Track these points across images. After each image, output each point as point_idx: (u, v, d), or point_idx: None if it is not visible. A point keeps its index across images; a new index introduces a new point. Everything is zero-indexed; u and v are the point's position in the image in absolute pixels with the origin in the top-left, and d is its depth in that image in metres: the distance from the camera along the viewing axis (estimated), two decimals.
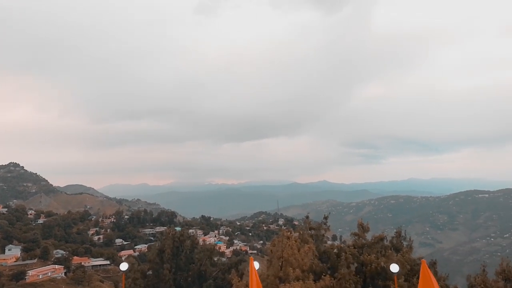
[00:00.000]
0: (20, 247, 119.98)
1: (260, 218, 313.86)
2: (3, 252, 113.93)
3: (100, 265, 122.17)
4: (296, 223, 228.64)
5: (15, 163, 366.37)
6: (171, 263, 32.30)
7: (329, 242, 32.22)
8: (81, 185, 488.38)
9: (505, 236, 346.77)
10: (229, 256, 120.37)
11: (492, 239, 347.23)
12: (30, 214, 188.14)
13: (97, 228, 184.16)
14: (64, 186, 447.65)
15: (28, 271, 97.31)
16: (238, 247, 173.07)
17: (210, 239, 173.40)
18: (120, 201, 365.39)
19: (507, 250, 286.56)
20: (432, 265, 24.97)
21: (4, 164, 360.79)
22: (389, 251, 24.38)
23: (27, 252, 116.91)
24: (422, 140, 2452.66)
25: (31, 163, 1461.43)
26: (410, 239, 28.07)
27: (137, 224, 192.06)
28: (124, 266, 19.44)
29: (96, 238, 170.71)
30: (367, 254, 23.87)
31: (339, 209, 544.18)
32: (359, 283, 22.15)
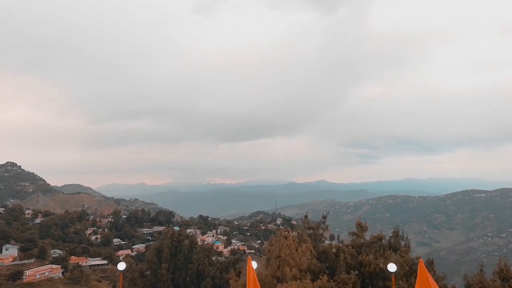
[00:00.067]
0: (17, 246, 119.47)
1: (258, 218, 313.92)
2: (0, 252, 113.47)
3: (97, 264, 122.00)
4: (294, 222, 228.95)
5: (12, 162, 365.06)
6: (169, 263, 32.27)
7: (327, 242, 32.20)
8: (78, 185, 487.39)
9: (502, 235, 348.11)
10: (227, 255, 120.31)
11: (489, 239, 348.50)
12: (27, 213, 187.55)
13: (94, 228, 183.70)
14: (62, 186, 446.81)
15: (25, 271, 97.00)
16: (236, 247, 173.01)
17: (208, 238, 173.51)
18: (117, 201, 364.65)
19: (504, 250, 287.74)
20: (429, 265, 25.02)
21: (1, 163, 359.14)
22: (388, 251, 24.38)
23: (24, 251, 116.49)
24: (420, 140, 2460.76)
25: (28, 162, 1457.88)
26: (407, 238, 28.10)
27: (134, 224, 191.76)
28: (121, 266, 19.40)
29: (93, 237, 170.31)
30: (365, 254, 23.87)
31: (336, 209, 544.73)
32: (357, 284, 22.15)
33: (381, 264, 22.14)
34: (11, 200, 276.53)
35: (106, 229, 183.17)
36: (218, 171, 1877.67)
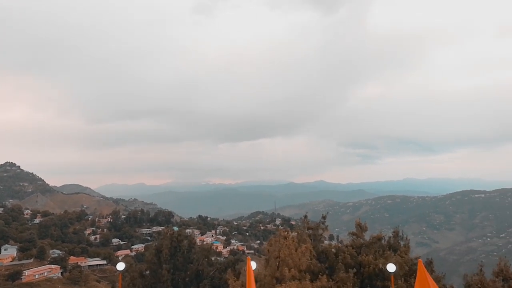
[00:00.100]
0: (16, 247, 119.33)
1: (257, 218, 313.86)
2: None
3: (96, 265, 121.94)
4: (293, 223, 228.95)
5: (11, 162, 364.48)
6: (169, 263, 32.21)
7: (326, 242, 32.17)
8: (77, 185, 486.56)
9: (501, 236, 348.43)
10: (226, 256, 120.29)
11: (488, 239, 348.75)
12: (26, 213, 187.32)
13: (93, 228, 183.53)
14: (61, 186, 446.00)
15: (24, 271, 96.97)
16: (235, 247, 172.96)
17: (207, 239, 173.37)
18: (117, 201, 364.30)
19: (503, 250, 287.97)
20: (429, 265, 24.98)
21: (0, 163, 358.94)
22: (387, 251, 24.35)
23: (23, 252, 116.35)
24: (419, 140, 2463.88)
25: (28, 162, 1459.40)
26: (406, 238, 28.07)
27: (134, 224, 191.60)
28: (120, 266, 19.38)
29: (92, 238, 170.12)
30: (365, 255, 23.84)
31: (336, 209, 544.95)
32: (356, 285, 22.12)
33: (380, 265, 22.11)
34: (10, 200, 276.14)
35: (105, 229, 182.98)
36: (217, 171, 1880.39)
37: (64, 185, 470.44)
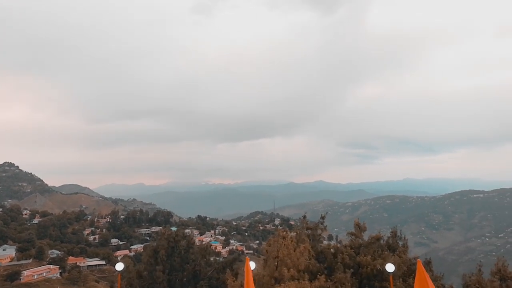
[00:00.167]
0: (15, 247, 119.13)
1: (256, 218, 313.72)
2: None
3: (95, 265, 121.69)
4: (292, 223, 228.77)
5: (10, 162, 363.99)
6: (166, 264, 32.11)
7: (325, 242, 32.15)
8: (76, 185, 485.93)
9: (499, 236, 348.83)
10: (225, 256, 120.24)
11: (487, 239, 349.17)
12: (25, 214, 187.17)
13: (92, 228, 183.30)
14: (59, 186, 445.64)
15: (23, 271, 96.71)
16: (234, 247, 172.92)
17: (206, 239, 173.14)
18: (115, 201, 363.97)
19: (502, 250, 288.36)
20: (427, 265, 24.98)
21: None
22: (386, 252, 24.33)
23: (22, 252, 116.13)
24: (418, 140, 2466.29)
25: (28, 162, 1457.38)
26: (405, 238, 28.06)
27: (132, 224, 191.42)
28: (119, 266, 19.37)
29: (91, 238, 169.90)
30: (363, 255, 23.82)
31: (335, 209, 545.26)
32: (355, 285, 22.11)
33: (378, 265, 22.09)
34: (9, 200, 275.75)
35: (104, 230, 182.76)
36: (216, 171, 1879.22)
37: (63, 185, 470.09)
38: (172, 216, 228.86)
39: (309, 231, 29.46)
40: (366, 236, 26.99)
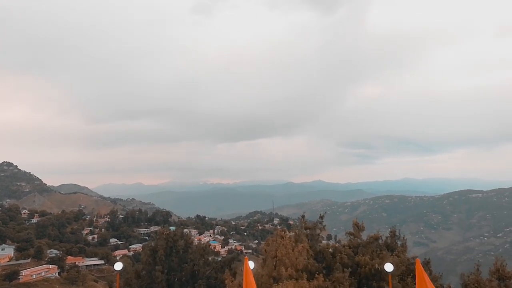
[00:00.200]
0: (13, 246, 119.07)
1: (255, 218, 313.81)
2: None
3: (94, 264, 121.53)
4: (291, 222, 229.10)
5: (9, 162, 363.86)
6: (164, 264, 32.05)
7: (324, 242, 32.12)
8: (75, 185, 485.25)
9: (498, 235, 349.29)
10: (224, 255, 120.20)
11: (485, 239, 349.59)
12: (24, 213, 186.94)
13: (91, 228, 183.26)
14: (58, 186, 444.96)
15: (22, 271, 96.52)
16: (233, 247, 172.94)
17: (205, 238, 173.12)
18: (114, 201, 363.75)
19: (500, 250, 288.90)
20: (426, 264, 25.00)
21: None
22: (384, 252, 24.33)
23: (21, 251, 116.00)
24: (417, 140, 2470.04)
25: (27, 162, 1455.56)
26: (404, 238, 28.07)
27: (131, 224, 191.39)
28: (118, 266, 19.35)
29: (90, 237, 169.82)
30: (362, 255, 23.81)
31: (334, 209, 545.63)
32: (353, 285, 22.10)
33: (376, 265, 22.09)
34: (7, 200, 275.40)
35: (103, 229, 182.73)
36: (215, 171, 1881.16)
37: (62, 184, 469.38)
38: (171, 216, 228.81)
39: (308, 231, 29.41)
40: (364, 236, 26.98)
